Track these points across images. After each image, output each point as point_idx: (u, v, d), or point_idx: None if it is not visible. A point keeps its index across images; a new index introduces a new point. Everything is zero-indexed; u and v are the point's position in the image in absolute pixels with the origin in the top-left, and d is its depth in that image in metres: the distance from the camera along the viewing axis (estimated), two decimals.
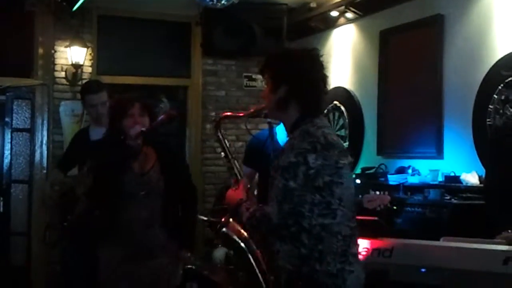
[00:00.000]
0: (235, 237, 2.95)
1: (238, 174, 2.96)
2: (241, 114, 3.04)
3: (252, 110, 2.89)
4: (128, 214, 3.52)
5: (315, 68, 2.62)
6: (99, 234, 3.68)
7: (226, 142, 3.04)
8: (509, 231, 3.37)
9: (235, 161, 3.01)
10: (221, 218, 3.03)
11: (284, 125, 2.71)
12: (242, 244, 2.93)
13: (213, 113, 7.28)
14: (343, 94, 6.52)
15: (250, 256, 2.89)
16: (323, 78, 2.64)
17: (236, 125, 6.85)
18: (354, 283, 2.57)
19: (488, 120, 4.68)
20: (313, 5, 6.67)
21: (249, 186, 3.23)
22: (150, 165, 3.60)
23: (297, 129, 2.58)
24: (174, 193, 3.61)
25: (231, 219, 2.95)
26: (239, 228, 2.92)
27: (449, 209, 4.49)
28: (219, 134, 3.04)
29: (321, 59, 2.66)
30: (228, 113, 3.19)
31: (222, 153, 3.05)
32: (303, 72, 2.59)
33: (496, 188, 3.68)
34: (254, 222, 2.61)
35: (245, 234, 2.92)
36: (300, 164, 2.45)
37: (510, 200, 3.46)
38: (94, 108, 4.76)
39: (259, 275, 2.86)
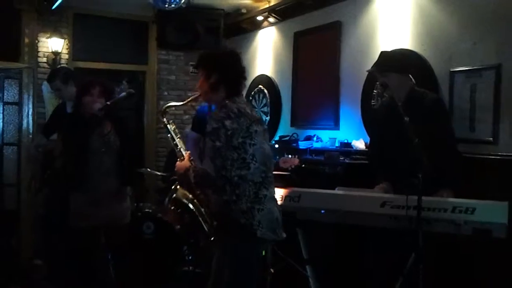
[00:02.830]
0: (184, 200, 3.01)
1: (182, 150, 2.92)
2: (181, 103, 3.04)
3: (189, 99, 2.94)
4: (92, 166, 3.52)
5: (236, 63, 2.69)
6: (70, 184, 3.67)
7: (171, 126, 2.98)
8: (384, 182, 3.44)
9: (179, 141, 2.98)
10: (171, 185, 3.05)
11: (215, 104, 2.74)
12: (190, 205, 2.99)
13: (165, 93, 7.21)
14: (266, 80, 6.52)
15: (196, 211, 2.97)
16: (242, 70, 2.71)
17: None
18: (265, 217, 2.59)
19: (372, 101, 4.73)
20: (244, 11, 6.62)
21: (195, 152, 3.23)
22: (108, 130, 3.61)
23: (223, 105, 2.63)
24: (125, 151, 3.63)
25: (179, 187, 2.99)
26: (185, 192, 2.97)
27: (343, 167, 4.52)
28: (164, 120, 2.98)
29: (240, 57, 2.75)
30: (172, 104, 3.09)
31: (169, 135, 2.99)
32: (227, 64, 2.66)
33: (375, 151, 3.74)
34: (199, 180, 2.65)
35: (191, 196, 2.97)
36: (221, 128, 2.49)
37: (384, 160, 3.50)
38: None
39: (202, 223, 2.94)
